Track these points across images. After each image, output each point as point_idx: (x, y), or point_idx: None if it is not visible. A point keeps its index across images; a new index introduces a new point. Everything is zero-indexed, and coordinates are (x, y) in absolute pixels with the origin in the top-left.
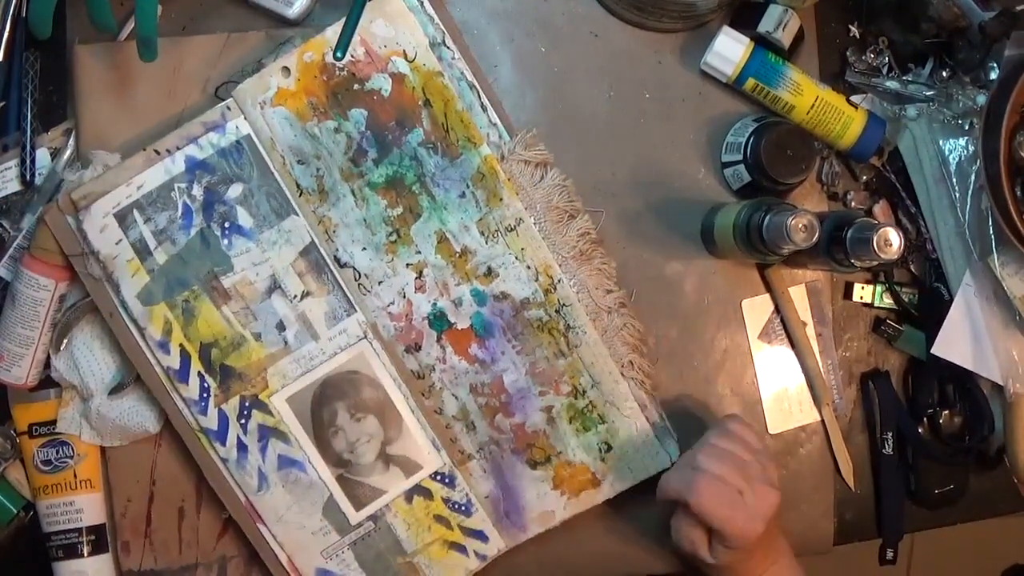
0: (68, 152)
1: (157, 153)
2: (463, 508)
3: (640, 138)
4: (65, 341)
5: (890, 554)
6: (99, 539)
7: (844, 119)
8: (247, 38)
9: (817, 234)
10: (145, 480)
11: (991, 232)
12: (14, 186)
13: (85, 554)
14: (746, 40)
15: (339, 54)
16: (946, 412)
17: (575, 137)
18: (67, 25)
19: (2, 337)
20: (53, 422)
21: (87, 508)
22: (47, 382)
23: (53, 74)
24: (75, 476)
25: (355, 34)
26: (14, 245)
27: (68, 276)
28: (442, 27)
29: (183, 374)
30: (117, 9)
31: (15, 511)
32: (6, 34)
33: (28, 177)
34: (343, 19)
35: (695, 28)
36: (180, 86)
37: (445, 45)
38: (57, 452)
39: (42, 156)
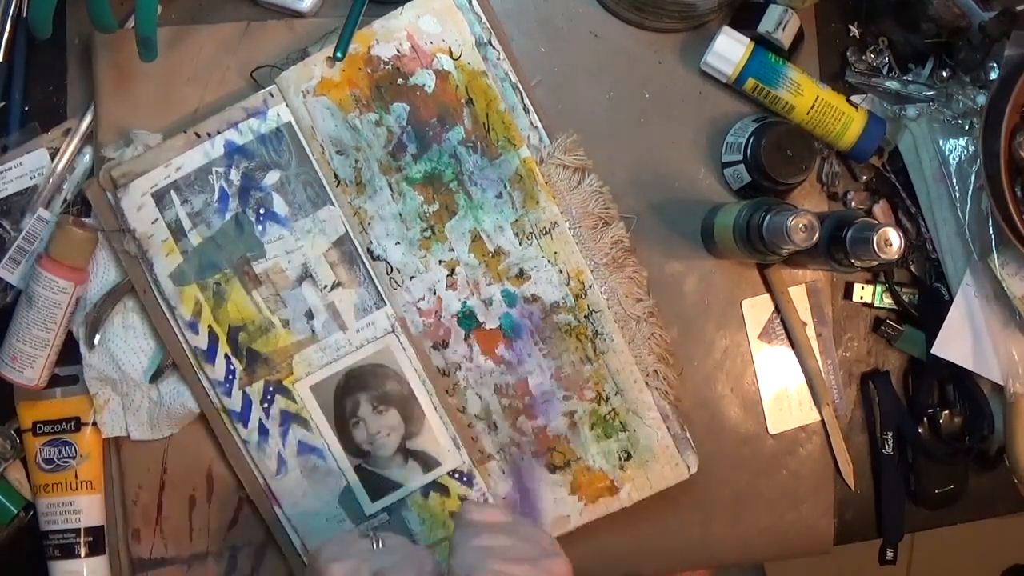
0: (70, 151)
1: (197, 136)
2: None
3: (640, 138)
4: (98, 336)
5: (890, 554)
6: (97, 541)
7: (844, 119)
8: (267, 27)
9: (817, 234)
10: (156, 468)
11: (991, 232)
12: (14, 186)
13: (82, 555)
14: (746, 40)
15: (339, 54)
16: (946, 412)
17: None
18: (67, 25)
19: (17, 339)
20: (58, 420)
21: (87, 509)
22: (52, 380)
23: (53, 74)
24: (76, 477)
25: (402, 29)
26: (14, 245)
27: (86, 278)
28: (489, 27)
29: (210, 355)
30: (117, 9)
31: (15, 511)
32: (6, 34)
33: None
34: (389, 12)
35: (695, 28)
36: (200, 73)
37: (491, 45)
38: (60, 452)
39: (42, 156)
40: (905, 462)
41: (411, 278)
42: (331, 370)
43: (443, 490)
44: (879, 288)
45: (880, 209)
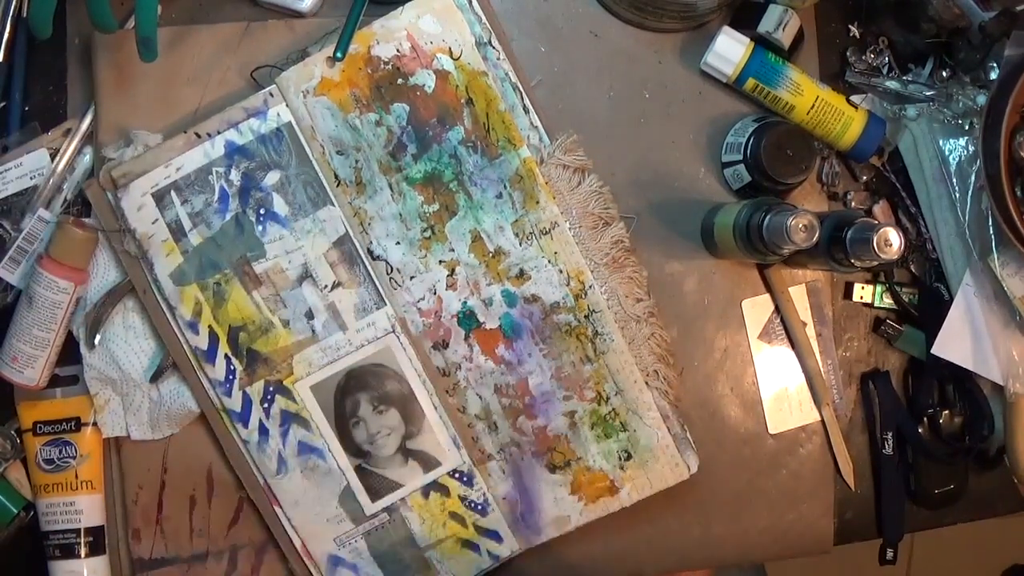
0: (70, 151)
1: (198, 136)
2: (479, 507)
3: (640, 138)
4: (98, 336)
5: (890, 554)
6: (97, 541)
7: (844, 119)
8: (267, 27)
9: (817, 234)
10: (157, 468)
11: (991, 232)
12: (14, 186)
13: (82, 555)
14: (746, 40)
15: (339, 54)
16: (946, 412)
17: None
18: (67, 25)
19: (17, 339)
20: (58, 421)
21: (87, 509)
22: (52, 380)
23: (53, 74)
24: (76, 477)
25: (402, 29)
26: (14, 246)
27: (86, 278)
28: (489, 27)
29: (210, 355)
30: (117, 9)
31: (15, 511)
32: (6, 34)
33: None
34: (389, 12)
35: (695, 28)
36: (200, 73)
37: (491, 45)
38: (60, 452)
39: (42, 156)
40: (905, 462)
41: (411, 278)
42: (331, 370)
43: (443, 490)
44: (879, 288)
45: (880, 209)
